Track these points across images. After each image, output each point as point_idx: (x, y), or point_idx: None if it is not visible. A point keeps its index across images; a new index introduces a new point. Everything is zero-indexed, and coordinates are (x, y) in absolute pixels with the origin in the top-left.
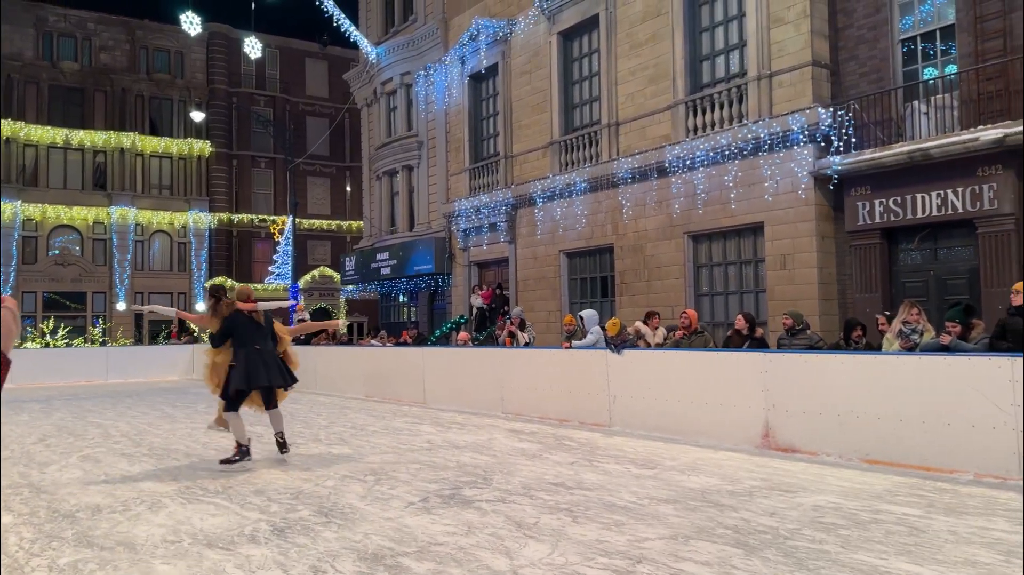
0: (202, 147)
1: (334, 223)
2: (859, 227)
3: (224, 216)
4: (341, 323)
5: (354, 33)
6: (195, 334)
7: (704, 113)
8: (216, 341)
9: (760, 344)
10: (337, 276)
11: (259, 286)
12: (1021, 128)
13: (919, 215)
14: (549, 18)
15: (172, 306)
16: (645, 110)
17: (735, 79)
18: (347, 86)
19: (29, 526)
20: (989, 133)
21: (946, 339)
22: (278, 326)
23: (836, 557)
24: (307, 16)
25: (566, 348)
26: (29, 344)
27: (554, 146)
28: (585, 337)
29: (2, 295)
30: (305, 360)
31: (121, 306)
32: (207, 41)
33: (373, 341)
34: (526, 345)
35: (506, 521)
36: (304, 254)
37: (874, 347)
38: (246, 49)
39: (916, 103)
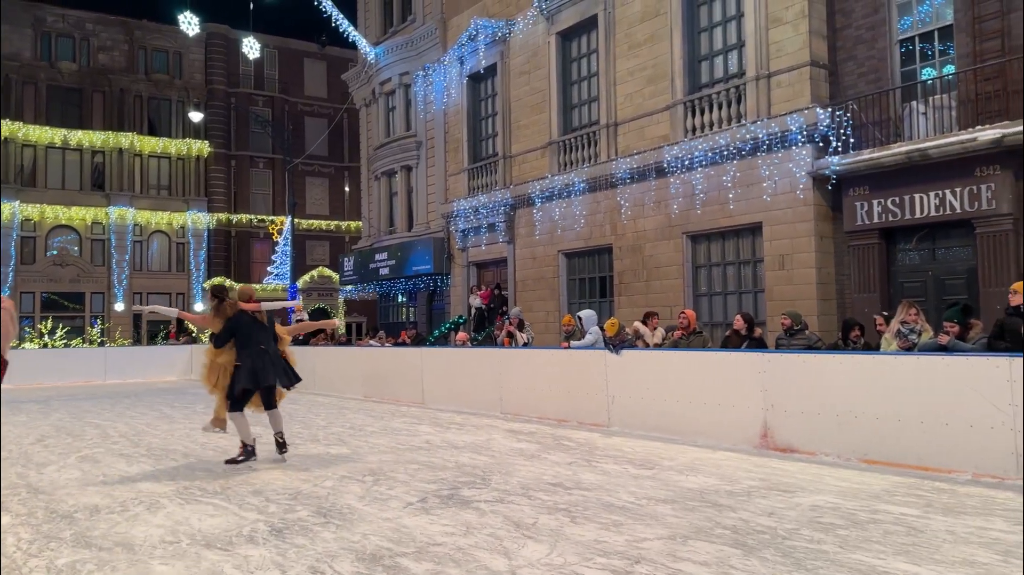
0: (200, 147)
1: (333, 223)
2: (857, 227)
3: (223, 216)
4: (338, 323)
5: (353, 33)
6: (193, 335)
7: (703, 113)
8: (219, 341)
9: (759, 344)
10: (336, 276)
11: (258, 286)
12: (1019, 128)
13: (917, 215)
14: (548, 18)
15: (171, 306)
16: (644, 110)
17: (733, 79)
18: (346, 86)
19: (27, 527)
20: (987, 133)
21: (944, 339)
22: (277, 326)
23: (834, 557)
24: (306, 16)
25: (565, 348)
26: (27, 344)
27: (553, 146)
28: (584, 337)
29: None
30: (303, 360)
31: (119, 306)
32: (205, 41)
33: (372, 341)
34: (525, 345)
35: (504, 521)
36: (303, 254)
37: (872, 347)
38: (244, 49)
39: (914, 103)
